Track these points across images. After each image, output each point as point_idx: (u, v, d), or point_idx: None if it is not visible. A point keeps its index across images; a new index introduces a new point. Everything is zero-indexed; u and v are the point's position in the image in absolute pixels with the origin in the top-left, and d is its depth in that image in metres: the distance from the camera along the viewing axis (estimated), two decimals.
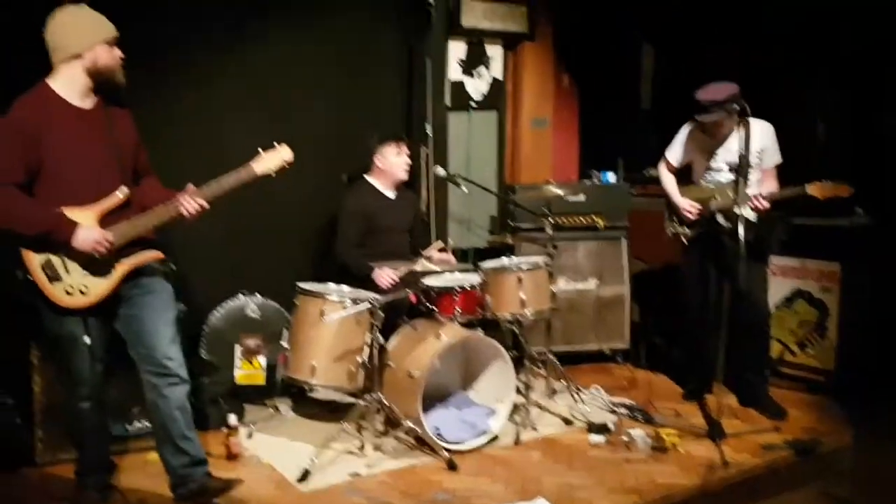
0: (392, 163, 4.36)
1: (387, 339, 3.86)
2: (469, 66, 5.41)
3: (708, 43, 5.64)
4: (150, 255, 2.98)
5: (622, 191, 5.29)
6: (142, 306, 2.99)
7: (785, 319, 4.86)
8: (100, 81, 2.87)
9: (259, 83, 4.47)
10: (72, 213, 2.79)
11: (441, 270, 4.07)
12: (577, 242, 5.17)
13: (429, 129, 5.08)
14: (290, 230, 4.66)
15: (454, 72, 5.34)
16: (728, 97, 3.92)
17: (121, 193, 2.88)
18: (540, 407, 4.18)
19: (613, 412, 4.26)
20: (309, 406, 4.30)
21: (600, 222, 5.13)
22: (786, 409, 4.28)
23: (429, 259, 4.06)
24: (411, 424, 3.62)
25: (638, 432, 3.85)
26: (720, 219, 4.19)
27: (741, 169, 3.66)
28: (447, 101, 5.30)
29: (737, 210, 3.74)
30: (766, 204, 3.99)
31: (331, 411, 4.21)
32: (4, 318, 3.39)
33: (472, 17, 5.25)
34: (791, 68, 5.31)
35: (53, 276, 2.82)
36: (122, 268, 2.90)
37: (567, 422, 4.11)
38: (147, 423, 3.60)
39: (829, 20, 4.97)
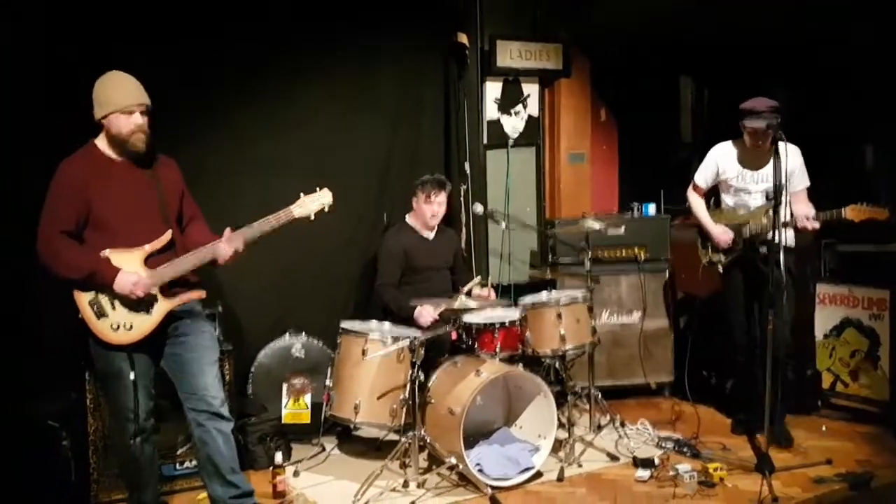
0: (422, 209, 4.47)
1: (430, 376, 3.91)
2: (505, 105, 5.50)
3: (748, 74, 5.65)
4: (192, 294, 3.11)
5: (663, 223, 5.26)
6: (186, 346, 3.13)
7: (835, 349, 4.76)
8: (118, 146, 3.03)
9: (302, 127, 4.61)
10: (118, 254, 2.97)
11: (480, 307, 4.10)
12: (620, 276, 5.15)
13: (467, 168, 5.17)
14: (334, 270, 4.76)
15: (490, 110, 5.44)
16: (777, 105, 3.97)
17: (165, 237, 3.05)
18: (584, 442, 4.15)
19: (660, 447, 4.21)
20: (354, 444, 4.36)
21: (642, 255, 5.12)
22: (792, 437, 4.22)
23: (468, 295, 4.10)
24: (454, 461, 3.64)
25: (685, 467, 3.79)
26: (756, 243, 4.18)
27: (777, 195, 3.61)
28: (484, 139, 5.39)
29: (772, 235, 3.70)
30: (816, 224, 3.95)
31: (376, 449, 4.26)
32: (60, 362, 3.54)
33: (507, 58, 5.35)
34: (836, 93, 5.28)
35: (100, 313, 2.97)
36: (165, 305, 3.04)
37: (612, 457, 4.07)
38: (195, 463, 3.70)
39: (868, 51, 4.96)
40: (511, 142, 5.56)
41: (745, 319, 4.34)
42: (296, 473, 3.92)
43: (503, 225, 4.85)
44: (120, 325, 2.98)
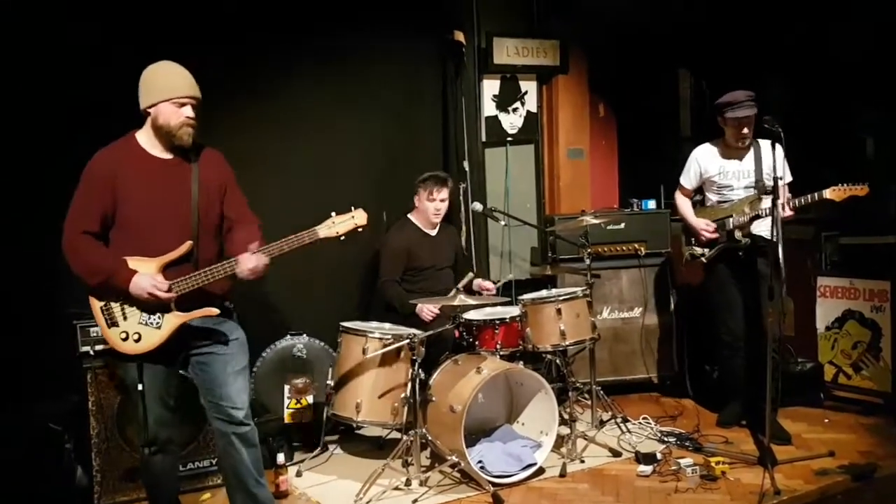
0: (425, 206, 4.48)
1: (431, 374, 3.91)
2: (503, 102, 5.50)
3: (748, 68, 5.64)
4: (204, 312, 2.92)
5: (663, 218, 5.25)
6: (211, 356, 2.99)
7: (837, 341, 4.75)
8: (163, 138, 2.87)
9: (300, 127, 4.61)
10: (134, 262, 2.83)
11: (478, 303, 4.10)
12: (621, 271, 5.15)
13: (466, 166, 5.17)
14: (334, 270, 4.74)
15: (488, 108, 5.43)
16: (754, 95, 4.01)
17: (183, 247, 2.87)
18: (587, 438, 4.15)
19: (662, 441, 4.20)
20: (356, 443, 4.36)
21: (642, 250, 5.12)
22: (788, 432, 4.18)
23: (465, 291, 4.10)
24: (455, 459, 3.64)
25: (687, 461, 3.79)
26: (738, 235, 4.19)
27: (776, 184, 3.61)
28: (483, 137, 5.39)
29: (756, 230, 3.79)
30: (789, 212, 3.95)
31: (378, 447, 4.26)
32: (61, 364, 3.55)
33: (504, 55, 5.35)
34: (837, 85, 5.27)
35: (111, 322, 2.87)
36: (176, 320, 2.88)
37: (615, 452, 4.06)
38: (198, 464, 3.72)
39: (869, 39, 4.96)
40: (510, 139, 5.56)
41: (731, 314, 4.32)
42: (298, 473, 3.92)
43: (503, 222, 4.85)
44: (129, 336, 2.86)
